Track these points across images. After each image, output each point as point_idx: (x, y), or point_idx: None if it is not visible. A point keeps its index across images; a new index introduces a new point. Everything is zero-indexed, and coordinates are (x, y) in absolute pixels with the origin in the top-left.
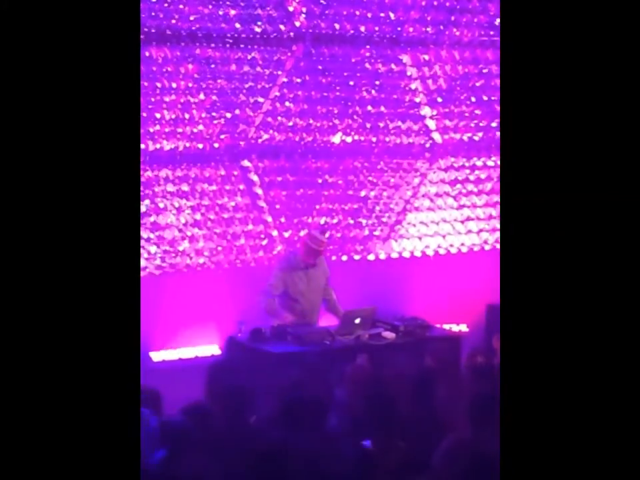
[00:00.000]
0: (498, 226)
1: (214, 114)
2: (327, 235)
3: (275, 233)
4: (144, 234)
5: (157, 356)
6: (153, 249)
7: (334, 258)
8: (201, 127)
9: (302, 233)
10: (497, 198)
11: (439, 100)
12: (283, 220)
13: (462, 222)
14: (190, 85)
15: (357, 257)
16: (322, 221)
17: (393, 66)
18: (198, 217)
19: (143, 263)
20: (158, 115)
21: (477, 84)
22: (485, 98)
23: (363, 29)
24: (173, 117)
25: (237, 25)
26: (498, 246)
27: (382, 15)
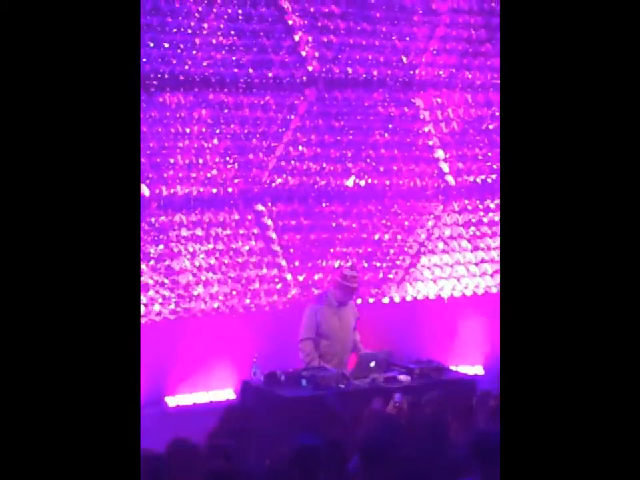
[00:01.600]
0: None
1: (227, 158)
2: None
3: (289, 276)
4: (158, 278)
5: (172, 401)
6: (167, 293)
7: None
8: (214, 172)
9: (316, 277)
10: None
11: (452, 143)
12: (297, 264)
13: (476, 264)
14: (203, 130)
15: (371, 300)
16: (336, 264)
17: (405, 109)
18: (212, 261)
19: (157, 307)
20: (172, 160)
21: (490, 126)
22: (498, 140)
23: (375, 72)
24: (187, 161)
25: (250, 70)
26: None
27: (394, 58)
